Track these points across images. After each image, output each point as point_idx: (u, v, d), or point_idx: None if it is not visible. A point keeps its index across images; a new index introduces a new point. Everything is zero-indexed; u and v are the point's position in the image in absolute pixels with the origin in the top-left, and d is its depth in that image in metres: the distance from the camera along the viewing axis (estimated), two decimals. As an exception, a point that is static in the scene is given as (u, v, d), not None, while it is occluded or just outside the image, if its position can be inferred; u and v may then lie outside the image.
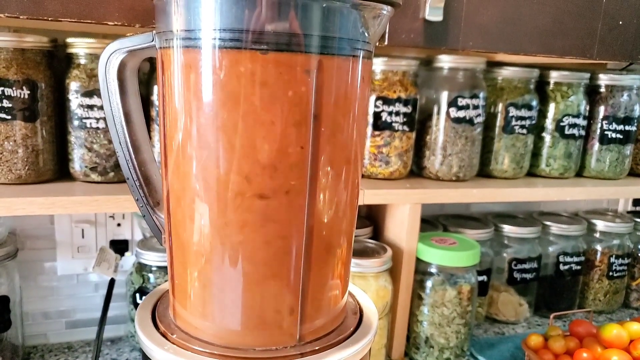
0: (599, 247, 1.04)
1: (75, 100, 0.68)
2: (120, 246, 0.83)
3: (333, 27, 0.31)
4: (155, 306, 0.39)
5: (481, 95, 0.83)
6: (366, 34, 0.33)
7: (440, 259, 0.81)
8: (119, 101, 0.39)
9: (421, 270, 0.83)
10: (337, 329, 0.37)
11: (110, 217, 0.83)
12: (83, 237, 0.82)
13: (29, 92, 0.66)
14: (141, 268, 0.77)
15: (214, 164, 0.32)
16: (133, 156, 0.39)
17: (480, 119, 0.84)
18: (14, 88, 0.65)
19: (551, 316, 0.85)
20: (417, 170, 0.88)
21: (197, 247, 0.33)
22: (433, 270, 0.82)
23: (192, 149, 0.32)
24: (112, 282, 0.74)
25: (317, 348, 0.35)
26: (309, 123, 0.32)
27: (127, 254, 0.84)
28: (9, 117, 0.65)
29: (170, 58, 0.33)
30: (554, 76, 0.91)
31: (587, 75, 0.92)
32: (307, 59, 0.31)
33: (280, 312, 0.34)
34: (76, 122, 0.69)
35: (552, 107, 0.92)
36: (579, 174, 0.97)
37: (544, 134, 0.93)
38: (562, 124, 0.91)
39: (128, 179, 0.39)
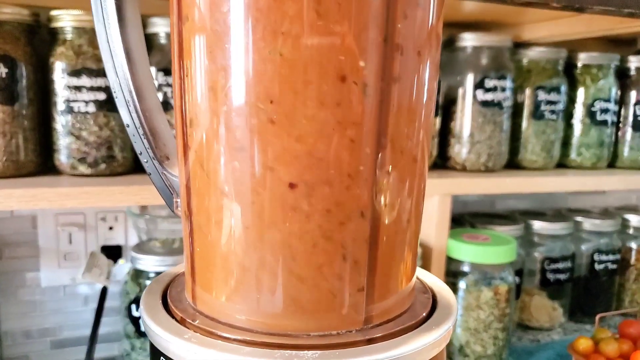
0: (633, 245, 0.96)
1: (60, 81, 0.60)
2: (112, 252, 0.74)
3: None
4: (167, 290, 0.30)
5: (509, 76, 0.76)
6: None
7: (473, 256, 0.72)
8: (117, 32, 0.30)
9: (452, 269, 0.74)
10: (408, 311, 0.28)
11: (102, 219, 0.73)
12: (70, 242, 0.72)
13: (6, 70, 0.57)
14: (137, 275, 0.68)
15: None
16: (136, 99, 0.31)
17: (508, 103, 0.77)
18: (-11, 65, 0.56)
19: (597, 317, 0.76)
20: (440, 162, 0.80)
21: (226, 216, 0.25)
22: (466, 269, 0.73)
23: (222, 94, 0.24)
24: (104, 291, 0.64)
25: (387, 333, 0.26)
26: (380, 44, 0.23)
27: (120, 261, 0.74)
28: (-17, 99, 0.56)
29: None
30: (582, 58, 0.84)
31: (618, 56, 0.85)
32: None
33: (342, 288, 0.25)
34: (62, 106, 0.60)
35: (581, 92, 0.85)
36: (611, 164, 0.90)
37: (573, 121, 0.85)
38: (593, 109, 0.84)
39: (128, 126, 0.30)
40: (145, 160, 0.30)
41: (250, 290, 0.25)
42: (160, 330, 0.25)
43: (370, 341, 0.25)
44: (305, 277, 0.25)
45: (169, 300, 0.29)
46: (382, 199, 0.26)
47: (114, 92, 0.31)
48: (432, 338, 0.26)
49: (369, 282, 0.26)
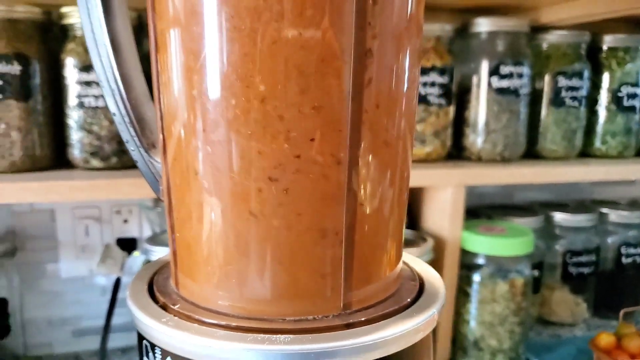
0: (663, 237, 0.93)
1: (72, 77, 0.61)
2: (128, 244, 0.75)
3: None
4: (154, 277, 0.30)
5: (526, 62, 0.74)
6: None
7: (489, 248, 0.71)
8: (102, 20, 0.31)
9: (467, 262, 0.73)
10: (392, 297, 0.28)
11: (117, 212, 0.75)
12: (87, 234, 0.74)
13: (20, 68, 0.59)
14: (151, 267, 0.69)
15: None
16: (122, 88, 0.31)
17: (525, 90, 0.74)
18: (3, 63, 0.58)
19: (621, 312, 0.74)
20: (455, 153, 0.78)
21: (206, 193, 0.25)
22: (481, 261, 0.72)
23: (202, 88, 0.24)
24: (118, 282, 0.66)
25: (367, 318, 0.25)
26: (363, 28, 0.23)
27: (135, 253, 0.75)
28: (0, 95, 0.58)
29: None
30: (608, 40, 0.81)
31: (645, 38, 0.82)
32: None
33: (318, 271, 0.25)
34: (74, 102, 0.61)
35: (606, 77, 0.82)
36: (638, 153, 0.86)
37: (597, 108, 0.82)
38: (619, 94, 0.81)
39: (115, 115, 0.31)
40: (132, 149, 0.31)
41: (229, 275, 0.25)
42: (140, 314, 0.26)
43: (348, 326, 0.25)
44: (282, 262, 0.25)
45: (154, 286, 0.29)
46: (362, 186, 0.25)
47: (100, 81, 0.31)
48: (415, 323, 0.25)
49: (347, 268, 0.25)
